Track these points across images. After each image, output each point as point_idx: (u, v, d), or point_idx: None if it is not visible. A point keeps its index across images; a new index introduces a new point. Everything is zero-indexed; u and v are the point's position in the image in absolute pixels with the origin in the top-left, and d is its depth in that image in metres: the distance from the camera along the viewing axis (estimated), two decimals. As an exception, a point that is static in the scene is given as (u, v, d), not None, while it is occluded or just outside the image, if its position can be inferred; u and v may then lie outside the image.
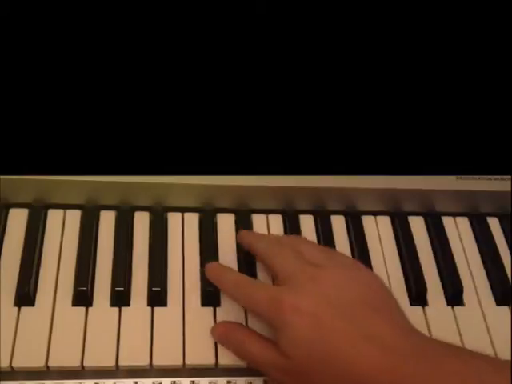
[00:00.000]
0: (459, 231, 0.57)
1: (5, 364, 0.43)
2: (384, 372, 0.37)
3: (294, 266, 0.44)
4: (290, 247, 0.46)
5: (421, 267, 0.53)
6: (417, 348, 0.39)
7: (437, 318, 0.50)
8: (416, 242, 0.55)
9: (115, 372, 0.45)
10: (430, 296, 0.52)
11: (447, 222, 0.57)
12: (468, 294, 0.53)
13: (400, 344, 0.39)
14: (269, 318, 0.42)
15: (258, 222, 0.55)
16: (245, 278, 0.46)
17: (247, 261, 0.51)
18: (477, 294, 0.53)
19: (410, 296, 0.52)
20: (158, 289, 0.48)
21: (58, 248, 0.50)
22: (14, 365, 0.43)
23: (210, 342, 0.46)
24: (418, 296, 0.51)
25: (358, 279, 0.43)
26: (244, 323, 0.47)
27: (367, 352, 0.38)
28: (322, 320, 0.40)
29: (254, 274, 0.50)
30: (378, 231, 0.56)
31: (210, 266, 0.49)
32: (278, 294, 0.42)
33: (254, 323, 0.47)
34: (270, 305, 0.42)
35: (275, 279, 0.47)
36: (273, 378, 0.43)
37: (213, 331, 0.46)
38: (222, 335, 0.46)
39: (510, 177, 0.56)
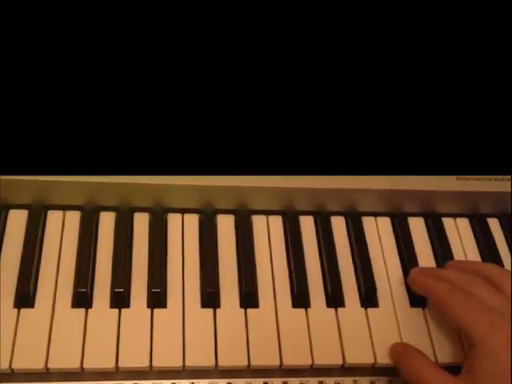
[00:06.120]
0: (459, 232, 0.57)
1: (4, 366, 0.43)
2: None
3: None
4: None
5: (421, 268, 0.53)
6: None
7: (437, 319, 0.50)
8: (416, 242, 0.55)
9: (115, 374, 0.45)
10: (430, 297, 0.52)
11: (447, 222, 0.57)
12: (468, 295, 0.53)
13: None
14: (481, 338, 0.42)
15: (258, 223, 0.54)
16: (459, 288, 0.46)
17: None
18: (477, 295, 0.53)
19: (410, 297, 0.51)
20: (158, 290, 0.48)
21: (58, 249, 0.50)
22: (13, 366, 0.43)
23: (209, 344, 0.46)
24: (418, 297, 0.50)
25: None
26: (244, 326, 0.47)
27: None
28: None
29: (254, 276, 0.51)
30: (378, 232, 0.56)
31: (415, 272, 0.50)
32: (500, 321, 0.42)
33: (254, 326, 0.47)
34: (489, 328, 0.42)
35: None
36: None
37: (392, 348, 0.47)
38: (399, 353, 0.47)
39: (509, 177, 0.56)
